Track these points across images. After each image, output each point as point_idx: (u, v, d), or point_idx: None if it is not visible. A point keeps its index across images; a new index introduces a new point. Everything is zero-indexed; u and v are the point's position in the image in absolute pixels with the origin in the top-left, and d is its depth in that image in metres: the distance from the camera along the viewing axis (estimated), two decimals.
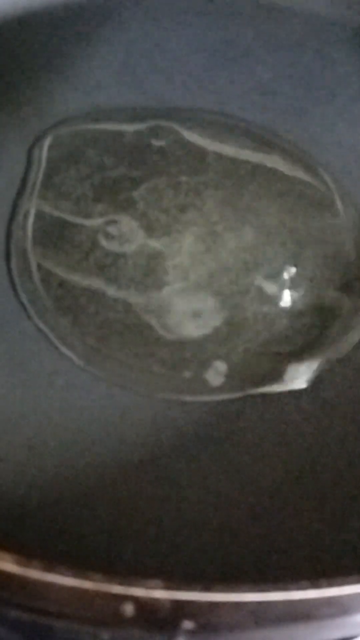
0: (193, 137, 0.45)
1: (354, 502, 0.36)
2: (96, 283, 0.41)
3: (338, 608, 0.28)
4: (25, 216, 0.42)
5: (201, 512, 0.36)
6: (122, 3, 0.49)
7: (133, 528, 0.36)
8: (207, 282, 0.41)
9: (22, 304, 0.40)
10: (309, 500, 0.36)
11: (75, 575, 0.29)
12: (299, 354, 0.40)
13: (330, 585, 0.27)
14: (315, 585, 0.27)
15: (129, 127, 0.45)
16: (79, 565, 0.30)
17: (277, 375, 0.39)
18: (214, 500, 0.36)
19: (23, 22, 0.48)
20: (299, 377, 0.39)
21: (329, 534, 0.35)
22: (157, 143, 0.45)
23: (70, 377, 0.38)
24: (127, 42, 0.49)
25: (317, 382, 0.39)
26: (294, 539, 0.35)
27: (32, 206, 0.43)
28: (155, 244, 0.42)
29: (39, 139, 0.45)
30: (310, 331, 0.41)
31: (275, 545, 0.35)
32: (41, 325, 0.39)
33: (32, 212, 0.43)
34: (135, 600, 0.28)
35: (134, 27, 0.49)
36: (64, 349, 0.39)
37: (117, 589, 0.28)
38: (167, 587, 0.28)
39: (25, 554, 0.29)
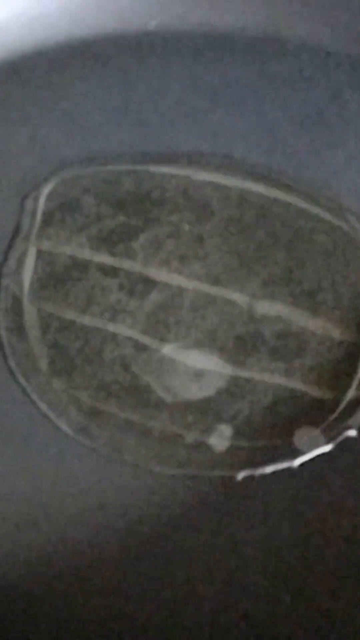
0: (196, 182, 0.43)
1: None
2: (92, 342, 0.38)
3: None
4: (18, 271, 0.40)
5: (200, 591, 0.33)
6: (120, 44, 0.47)
7: (129, 607, 0.33)
8: (210, 339, 0.38)
9: (9, 367, 0.37)
10: (314, 580, 0.33)
11: None
12: (310, 417, 0.37)
13: None
14: None
15: (128, 173, 0.43)
16: None
17: (286, 440, 0.36)
18: (213, 579, 0.33)
19: (16, 67, 0.46)
20: (310, 442, 0.36)
21: (337, 617, 0.32)
22: (157, 189, 0.42)
23: (63, 447, 0.36)
24: (126, 84, 0.46)
25: (331, 451, 0.36)
26: (298, 620, 0.32)
27: (25, 260, 0.40)
28: (155, 298, 0.39)
29: (33, 189, 0.42)
30: (323, 391, 0.37)
31: (277, 626, 0.32)
32: (30, 390, 0.36)
33: (26, 266, 0.40)
34: None
35: (132, 68, 0.46)
36: (55, 417, 0.36)
37: None
38: None
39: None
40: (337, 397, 0.38)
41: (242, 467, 0.36)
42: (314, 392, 0.38)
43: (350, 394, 0.38)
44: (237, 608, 0.33)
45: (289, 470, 0.35)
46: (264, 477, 0.35)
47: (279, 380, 0.38)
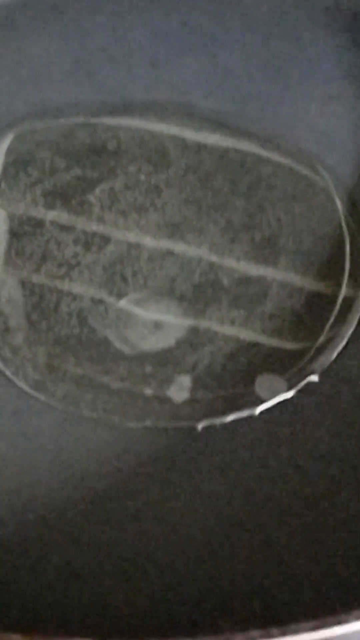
0: (153, 132, 0.42)
1: (332, 533, 0.32)
2: (48, 297, 0.37)
3: None
4: None
5: (164, 544, 0.32)
6: None
7: (90, 565, 0.32)
8: (168, 289, 0.37)
9: None
10: (280, 532, 0.32)
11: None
12: (272, 365, 0.36)
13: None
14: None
15: (83, 125, 0.42)
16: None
17: (247, 389, 0.35)
18: (177, 531, 0.32)
19: None
20: (272, 390, 0.35)
21: (306, 565, 0.31)
22: (113, 140, 0.41)
23: (19, 404, 0.35)
24: (80, 32, 0.45)
25: (292, 397, 0.35)
26: (266, 571, 0.31)
27: None
28: (112, 250, 0.38)
29: None
30: (285, 338, 0.37)
31: (246, 579, 0.31)
32: None
33: None
34: None
35: (86, 16, 0.45)
36: (11, 373, 0.35)
37: None
38: None
39: None
40: (300, 343, 0.37)
41: (202, 417, 0.35)
42: (275, 340, 0.37)
43: (319, 342, 0.37)
44: (202, 561, 0.32)
45: (250, 418, 0.35)
46: (225, 426, 0.35)
47: (239, 328, 0.37)
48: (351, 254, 0.39)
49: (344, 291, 0.38)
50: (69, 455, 0.34)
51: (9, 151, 0.42)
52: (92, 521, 0.33)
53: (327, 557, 0.32)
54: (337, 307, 0.38)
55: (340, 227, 0.40)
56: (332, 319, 0.38)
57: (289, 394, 0.35)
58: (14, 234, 0.39)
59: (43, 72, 0.45)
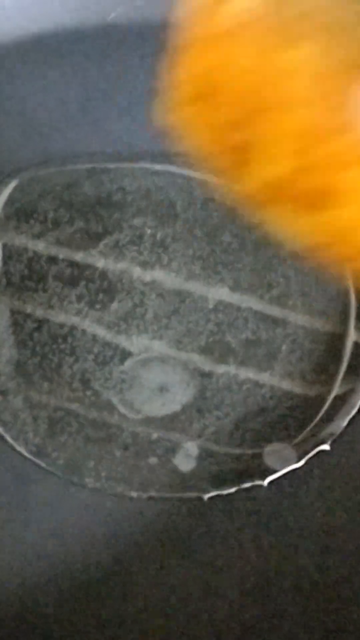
0: (159, 183, 0.41)
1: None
2: (49, 358, 0.36)
3: None
4: None
5: (165, 617, 0.31)
6: (78, 39, 0.45)
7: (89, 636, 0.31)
8: (175, 351, 0.36)
9: None
10: (290, 604, 0.31)
11: None
12: (281, 432, 0.35)
13: None
14: None
15: (87, 175, 0.41)
16: None
17: (255, 458, 0.34)
18: (179, 605, 0.31)
19: None
20: (281, 459, 0.34)
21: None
22: (118, 192, 0.40)
23: (19, 470, 0.34)
24: (84, 81, 0.44)
25: (302, 466, 0.34)
26: None
27: None
28: (116, 309, 0.37)
29: None
30: (295, 404, 0.36)
31: None
32: None
33: None
34: None
35: (91, 65, 0.44)
36: (11, 438, 0.34)
37: None
38: None
39: None
40: (309, 410, 0.36)
41: (209, 488, 0.34)
42: (285, 404, 0.36)
43: (324, 408, 0.36)
44: (205, 635, 0.31)
45: (259, 487, 0.34)
46: (233, 496, 0.34)
47: (247, 393, 0.36)
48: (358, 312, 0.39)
49: (349, 348, 0.38)
50: (70, 526, 0.33)
51: (11, 201, 0.41)
52: (93, 594, 0.32)
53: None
54: (345, 363, 0.37)
55: (348, 284, 0.39)
56: (340, 380, 0.37)
57: (299, 464, 0.34)
58: (16, 289, 0.38)
59: (46, 119, 0.44)
